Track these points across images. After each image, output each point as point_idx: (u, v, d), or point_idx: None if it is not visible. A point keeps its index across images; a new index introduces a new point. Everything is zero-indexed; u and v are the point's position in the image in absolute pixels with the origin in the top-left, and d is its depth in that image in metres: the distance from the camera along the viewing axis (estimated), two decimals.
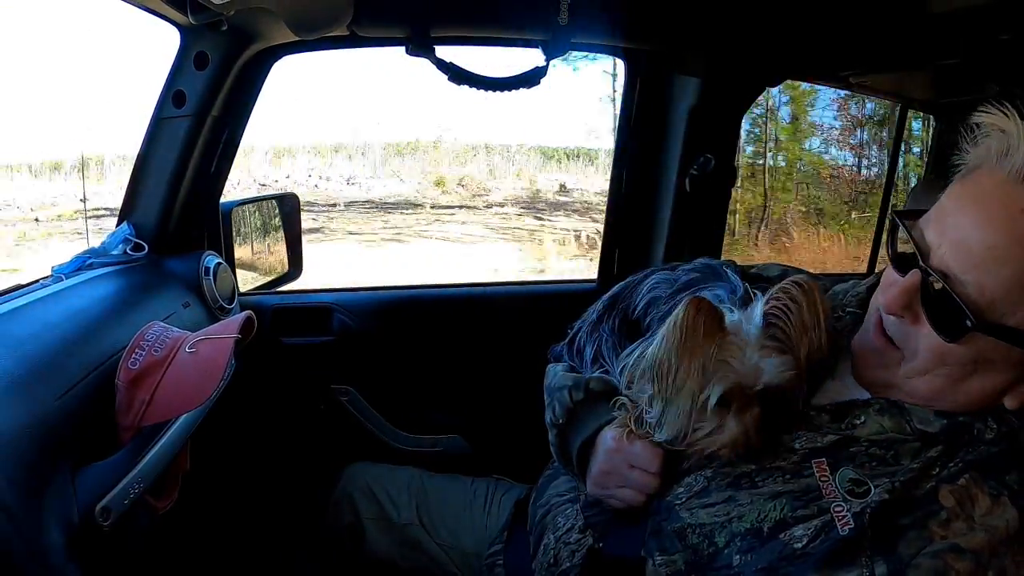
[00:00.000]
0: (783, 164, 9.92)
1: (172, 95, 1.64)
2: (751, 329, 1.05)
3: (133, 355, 1.21)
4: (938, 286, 0.95)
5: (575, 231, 10.95)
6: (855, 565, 0.92)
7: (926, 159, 2.81)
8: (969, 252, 0.92)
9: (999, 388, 1.00)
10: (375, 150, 12.40)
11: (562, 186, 12.47)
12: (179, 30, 1.59)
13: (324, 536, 1.67)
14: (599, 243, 2.32)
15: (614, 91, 10.35)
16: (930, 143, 2.80)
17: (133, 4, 1.48)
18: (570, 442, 1.25)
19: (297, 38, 1.65)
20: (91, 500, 1.07)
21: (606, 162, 11.02)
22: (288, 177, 11.87)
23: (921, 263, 0.97)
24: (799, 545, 0.95)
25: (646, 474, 1.14)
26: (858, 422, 1.03)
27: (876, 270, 2.95)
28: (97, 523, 1.06)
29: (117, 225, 1.70)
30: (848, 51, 1.90)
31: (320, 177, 12.18)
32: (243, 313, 1.38)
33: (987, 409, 1.01)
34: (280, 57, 1.76)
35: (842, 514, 0.95)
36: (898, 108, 2.81)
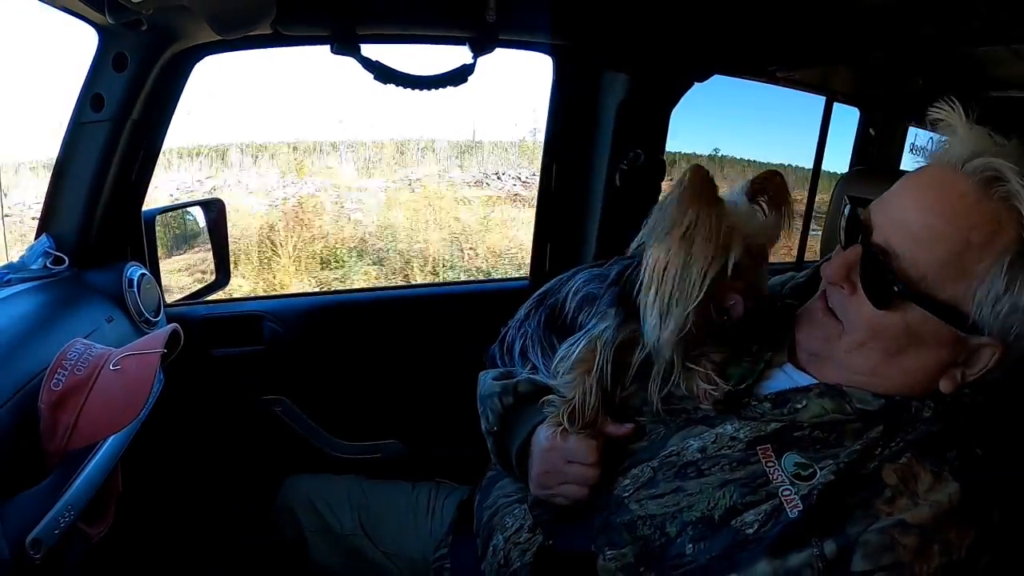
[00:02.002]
0: None
1: (90, 98, 1.57)
2: (740, 199, 1.13)
3: (55, 376, 1.16)
4: (874, 260, 1.02)
5: None
6: (806, 546, 0.94)
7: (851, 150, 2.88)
8: (908, 229, 1.00)
9: (932, 368, 1.04)
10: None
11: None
12: (97, 31, 1.53)
13: (266, 551, 1.64)
14: None
15: None
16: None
17: (49, 4, 1.42)
18: (507, 448, 1.26)
19: (219, 37, 1.60)
20: (20, 532, 1.03)
21: None
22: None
23: (863, 239, 1.04)
24: (751, 531, 0.98)
25: (584, 466, 1.15)
26: (799, 407, 1.06)
27: (804, 259, 3.04)
28: (29, 556, 1.02)
29: (36, 237, 1.62)
30: (776, 46, 1.93)
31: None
32: (168, 326, 1.34)
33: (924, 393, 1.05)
34: (202, 57, 1.69)
35: (790, 497, 0.98)
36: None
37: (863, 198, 1.12)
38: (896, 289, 1.00)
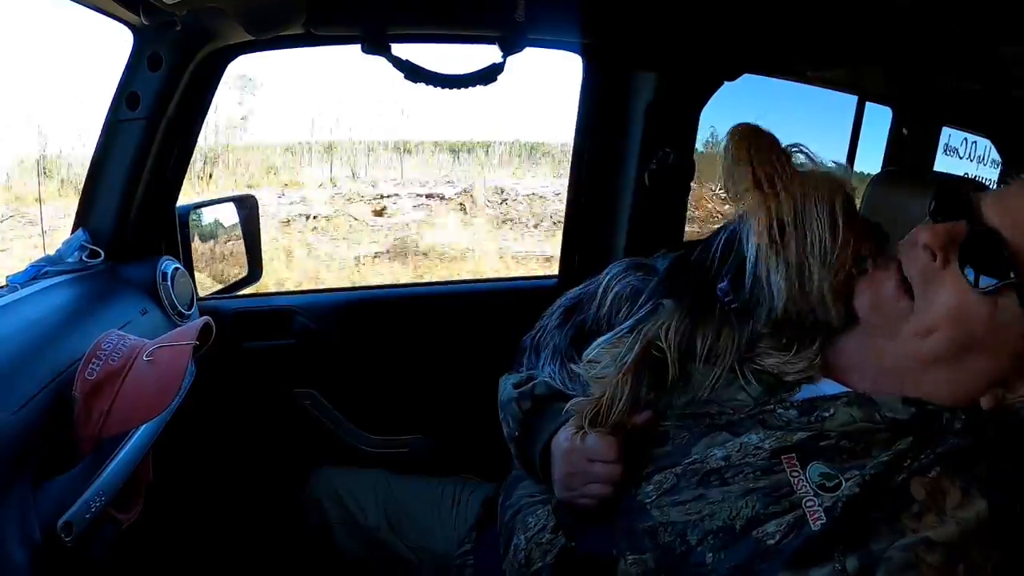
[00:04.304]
0: None
1: (126, 97, 1.60)
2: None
3: (90, 365, 1.18)
4: (982, 238, 0.97)
5: None
6: (828, 560, 0.92)
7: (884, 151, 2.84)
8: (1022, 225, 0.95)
9: (985, 379, 1.00)
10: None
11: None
12: (132, 31, 1.56)
13: (292, 541, 1.65)
14: None
15: None
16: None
17: (85, 5, 1.45)
18: (530, 452, 1.26)
19: (251, 37, 1.62)
20: (53, 516, 1.06)
21: None
22: None
23: (970, 218, 0.99)
24: (772, 541, 0.95)
25: (607, 464, 1.14)
26: (827, 415, 1.03)
27: None
28: (60, 539, 1.05)
29: (72, 232, 1.66)
30: (807, 44, 1.91)
31: None
32: (201, 319, 1.36)
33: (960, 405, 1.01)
34: (235, 57, 1.72)
35: (813, 509, 0.95)
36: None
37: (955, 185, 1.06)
38: (1012, 276, 0.94)
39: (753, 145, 1.06)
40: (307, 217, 9.42)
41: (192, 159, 1.78)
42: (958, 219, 1.00)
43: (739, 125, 1.07)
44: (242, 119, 11.00)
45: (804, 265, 1.07)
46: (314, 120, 11.07)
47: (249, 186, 9.69)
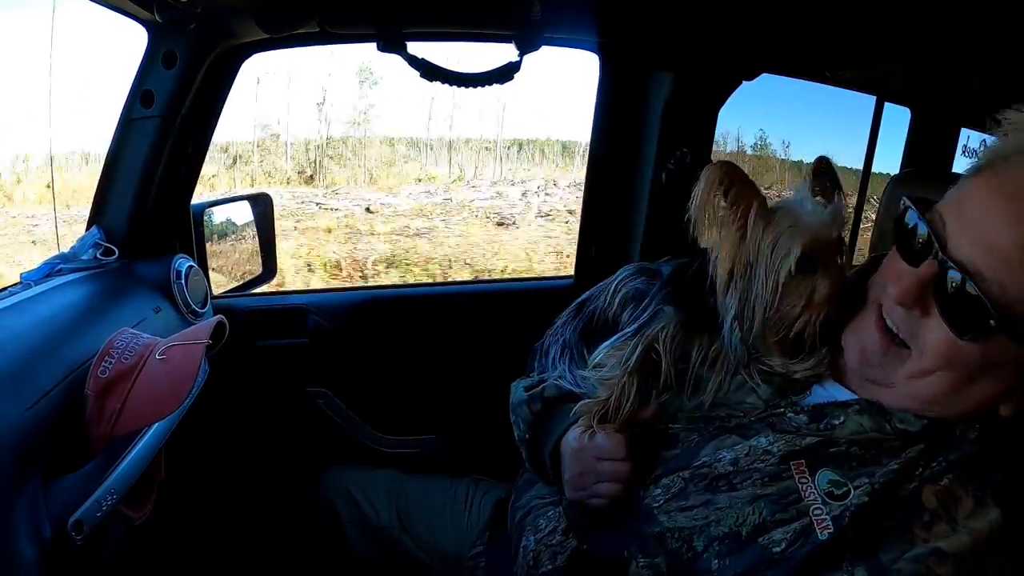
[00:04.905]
0: None
1: (140, 95, 1.61)
2: (804, 196, 1.09)
3: (103, 363, 1.18)
4: (956, 281, 0.89)
5: None
6: (836, 570, 0.91)
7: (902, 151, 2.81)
8: (997, 250, 0.87)
9: (999, 395, 0.96)
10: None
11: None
12: (146, 28, 1.56)
13: (304, 540, 1.65)
14: None
15: None
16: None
17: (99, 2, 1.45)
18: (540, 454, 1.26)
19: (266, 35, 1.62)
20: (64, 513, 1.05)
21: None
22: None
23: (940, 254, 0.92)
24: (778, 549, 0.94)
25: (616, 462, 1.14)
26: (836, 422, 1.01)
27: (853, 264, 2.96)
28: (71, 537, 1.04)
29: (87, 229, 1.66)
30: (826, 44, 1.90)
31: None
32: (214, 318, 1.36)
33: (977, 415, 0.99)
34: (250, 55, 1.72)
35: (821, 517, 0.94)
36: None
37: (924, 198, 0.98)
38: (992, 323, 0.87)
39: (726, 185, 1.05)
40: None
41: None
42: (924, 256, 0.94)
43: (712, 164, 1.05)
44: (363, 113, 11.18)
45: (748, 312, 1.07)
46: (430, 115, 11.33)
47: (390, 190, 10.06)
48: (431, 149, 11.48)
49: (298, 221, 9.80)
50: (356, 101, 11.16)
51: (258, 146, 11.32)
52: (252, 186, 10.80)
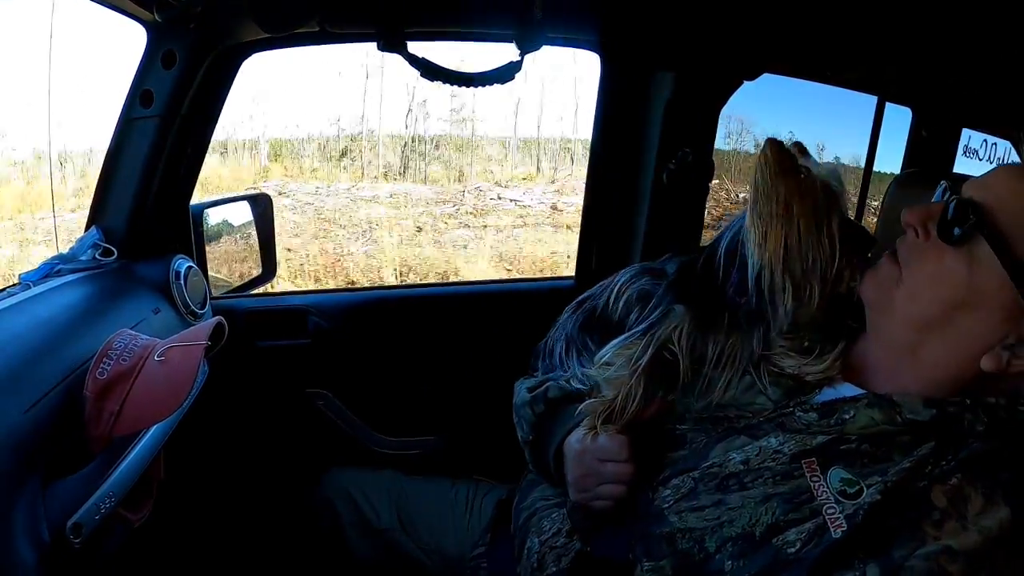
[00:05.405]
0: None
1: (139, 95, 1.60)
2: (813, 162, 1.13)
3: (101, 365, 1.17)
4: (955, 200, 1.00)
5: None
6: (848, 568, 0.90)
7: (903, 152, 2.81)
8: (996, 192, 0.98)
9: (980, 339, 0.99)
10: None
11: None
12: (146, 28, 1.55)
13: (304, 542, 1.65)
14: None
15: None
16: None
17: (99, 2, 1.45)
18: (543, 456, 1.26)
19: (266, 35, 1.61)
20: (62, 516, 1.05)
21: None
22: None
23: (950, 196, 1.02)
24: (792, 550, 0.94)
25: (619, 464, 1.14)
26: (847, 417, 1.01)
27: None
28: (69, 540, 1.04)
29: (86, 229, 1.66)
30: (828, 44, 1.89)
31: None
32: (213, 319, 1.35)
33: (975, 399, 0.99)
34: (250, 55, 1.72)
35: (835, 516, 0.94)
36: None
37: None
38: (972, 218, 0.96)
39: (782, 165, 1.07)
40: None
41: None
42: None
43: (772, 143, 1.08)
44: (453, 111, 11.18)
45: (806, 285, 1.09)
46: (516, 113, 11.36)
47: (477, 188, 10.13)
48: (518, 149, 11.51)
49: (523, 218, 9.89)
50: (449, 100, 11.13)
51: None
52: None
